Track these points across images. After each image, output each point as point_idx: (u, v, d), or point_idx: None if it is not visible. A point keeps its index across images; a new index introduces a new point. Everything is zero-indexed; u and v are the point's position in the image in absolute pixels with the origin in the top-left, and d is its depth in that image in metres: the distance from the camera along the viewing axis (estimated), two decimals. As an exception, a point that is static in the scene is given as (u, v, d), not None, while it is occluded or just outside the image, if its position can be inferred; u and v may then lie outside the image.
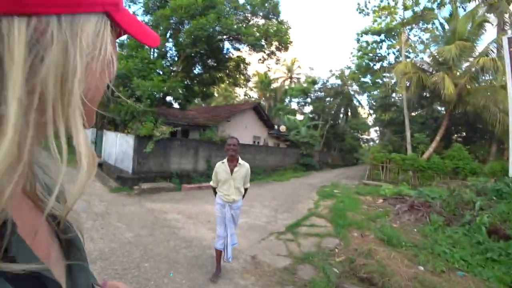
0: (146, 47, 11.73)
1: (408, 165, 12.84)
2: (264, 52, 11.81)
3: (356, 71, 21.27)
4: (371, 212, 7.31)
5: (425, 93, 14.41)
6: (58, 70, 0.26)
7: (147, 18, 11.55)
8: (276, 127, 22.26)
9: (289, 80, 32.44)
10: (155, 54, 11.63)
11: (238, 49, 12.09)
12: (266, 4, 11.08)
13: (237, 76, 13.63)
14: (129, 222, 4.90)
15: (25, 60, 0.24)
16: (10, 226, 0.27)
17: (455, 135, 18.64)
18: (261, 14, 11.49)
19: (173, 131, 12.03)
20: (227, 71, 13.22)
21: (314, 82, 25.42)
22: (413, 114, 17.49)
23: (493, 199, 6.74)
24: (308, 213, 6.75)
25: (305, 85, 26.27)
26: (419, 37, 17.50)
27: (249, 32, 10.23)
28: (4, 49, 0.23)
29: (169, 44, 11.75)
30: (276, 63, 13.07)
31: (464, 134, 18.47)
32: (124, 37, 12.64)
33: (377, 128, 29.46)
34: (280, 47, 11.63)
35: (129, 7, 11.47)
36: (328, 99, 25.24)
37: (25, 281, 0.28)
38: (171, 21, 10.08)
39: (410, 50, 17.48)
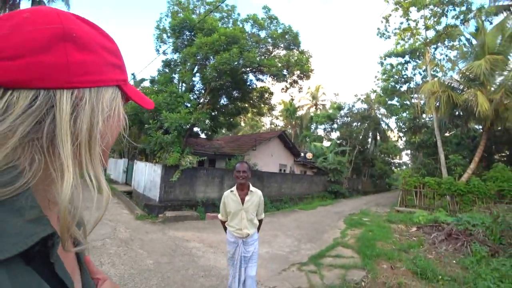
0: (175, 81, 12.74)
1: (445, 189, 11.87)
2: (286, 82, 12.14)
3: (382, 94, 20.85)
4: (403, 242, 6.78)
5: (457, 112, 13.64)
6: (88, 123, 0.39)
7: (176, 56, 12.57)
8: (302, 154, 22.08)
9: (314, 107, 32.60)
10: (183, 88, 12.46)
11: (261, 80, 12.55)
12: (286, 36, 11.60)
13: (261, 106, 14.02)
14: (150, 249, 5.02)
15: (70, 118, 0.37)
16: (56, 238, 0.37)
17: (497, 155, 17.09)
18: (282, 45, 11.99)
19: (200, 161, 12.43)
20: (251, 101, 13.67)
21: (339, 107, 25.27)
22: (446, 134, 16.44)
23: (547, 225, 5.99)
24: (334, 243, 6.42)
25: (330, 111, 26.17)
26: (446, 55, 17.02)
27: (271, 63, 10.66)
28: (57, 111, 0.36)
29: (196, 78, 12.57)
30: (299, 92, 13.29)
31: (508, 152, 16.89)
32: (155, 74, 13.77)
33: (408, 151, 28.00)
34: (302, 75, 11.90)
35: (160, 46, 12.61)
36: (355, 124, 24.77)
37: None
38: (198, 57, 10.86)
39: (438, 69, 16.89)
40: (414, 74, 19.23)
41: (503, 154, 17.29)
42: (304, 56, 11.74)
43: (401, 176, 13.77)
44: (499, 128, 13.72)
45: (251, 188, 2.98)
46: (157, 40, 12.52)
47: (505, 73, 12.19)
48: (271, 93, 13.51)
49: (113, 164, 18.71)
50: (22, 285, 0.32)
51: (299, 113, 32.07)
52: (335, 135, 27.39)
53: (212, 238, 6.33)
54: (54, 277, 0.37)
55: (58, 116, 0.36)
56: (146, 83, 14.95)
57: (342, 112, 25.07)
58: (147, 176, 11.32)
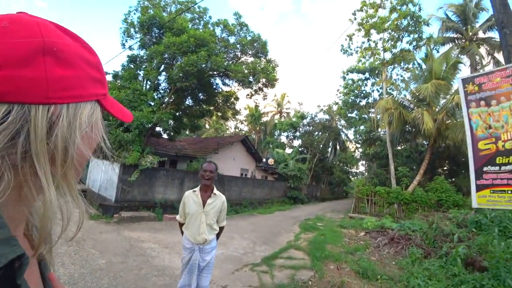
0: (140, 78, 12.32)
1: (393, 198, 13.03)
2: (252, 88, 12.44)
3: (343, 107, 22.24)
4: (351, 246, 7.32)
5: (407, 128, 15.12)
6: (64, 140, 0.38)
7: (142, 52, 12.21)
8: (264, 160, 22.55)
9: (279, 114, 33.57)
10: (148, 86, 12.12)
11: (227, 85, 12.72)
12: (255, 44, 11.95)
13: (226, 110, 14.15)
14: (103, 249, 4.85)
15: (46, 134, 0.36)
16: (25, 259, 0.35)
17: (439, 169, 19.16)
18: (250, 52, 12.31)
19: (161, 161, 12.05)
20: (216, 104, 13.74)
21: (302, 116, 26.35)
22: (398, 148, 18.08)
23: (473, 231, 6.83)
24: (287, 245, 6.74)
25: (294, 119, 27.16)
26: (401, 76, 18.79)
27: (237, 69, 10.89)
28: (31, 127, 0.35)
29: (162, 77, 12.31)
30: (264, 99, 13.71)
31: (448, 167, 19.02)
32: (118, 69, 13.19)
33: (364, 162, 30.09)
34: (267, 83, 12.30)
35: (126, 41, 12.16)
36: (316, 133, 26.01)
37: None
38: (165, 56, 10.69)
39: (393, 87, 18.57)
40: (373, 90, 20.92)
41: (445, 168, 19.44)
42: (271, 65, 12.18)
43: (355, 185, 14.79)
44: (442, 144, 15.39)
45: (215, 191, 2.77)
46: (124, 34, 12.05)
47: (448, 96, 13.85)
48: (237, 98, 13.72)
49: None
50: None
51: (264, 119, 32.76)
52: (297, 142, 28.45)
53: (168, 239, 6.27)
54: None
55: (32, 133, 0.35)
56: (109, 77, 14.23)
57: (305, 121, 26.17)
58: (104, 175, 10.79)
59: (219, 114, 14.84)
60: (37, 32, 0.37)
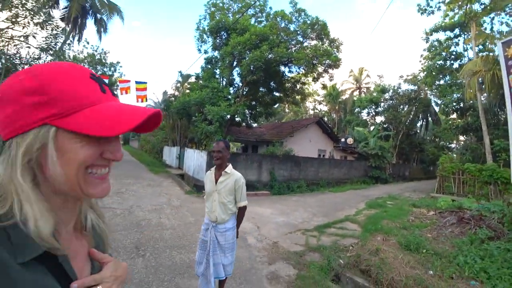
0: (217, 76, 14.35)
1: (486, 177, 11.44)
2: (316, 72, 12.82)
3: (429, 75, 19.35)
4: (413, 223, 7.36)
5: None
6: (8, 168, 0.47)
7: (216, 53, 14.13)
8: (343, 140, 22.27)
9: (358, 90, 31.73)
10: (224, 83, 14.05)
11: (292, 72, 13.47)
12: (315, 27, 12.21)
13: (295, 95, 14.93)
14: (193, 212, 6.83)
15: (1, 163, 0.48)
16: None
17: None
18: (312, 36, 12.64)
19: (244, 147, 13.83)
20: (286, 91, 14.67)
21: (383, 90, 24.28)
22: (496, 118, 15.01)
23: None
24: (343, 218, 7.38)
25: (374, 94, 25.39)
26: (507, 23, 14.95)
27: (299, 56, 11.51)
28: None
29: (235, 73, 14.05)
30: (330, 80, 13.85)
31: None
32: (198, 71, 15.63)
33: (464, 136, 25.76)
34: (332, 64, 12.47)
35: (201, 46, 14.33)
36: (401, 107, 23.71)
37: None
38: (235, 54, 12.22)
39: (491, 43, 15.06)
40: (466, 49, 17.44)
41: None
42: (335, 45, 12.24)
43: (439, 162, 13.34)
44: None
45: (228, 169, 2.80)
46: (198, 41, 14.23)
47: None
48: (304, 83, 14.29)
49: (168, 152, 21.42)
50: (37, 278, 0.46)
51: (343, 97, 31.60)
52: (380, 119, 26.52)
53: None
54: (63, 272, 0.51)
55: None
56: (193, 79, 16.87)
57: (386, 95, 24.12)
58: (195, 161, 13.24)
59: (289, 100, 15.71)
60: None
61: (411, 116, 24.38)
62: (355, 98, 29.07)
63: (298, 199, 10.63)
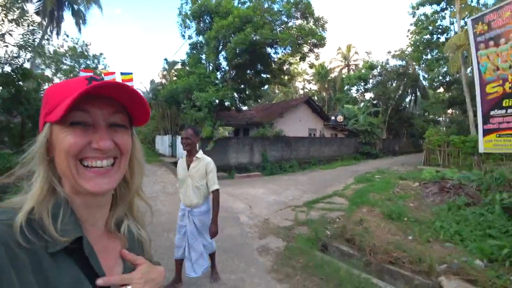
0: (203, 62, 14.19)
1: (469, 148, 11.88)
2: (301, 52, 12.79)
3: (415, 49, 19.42)
4: (398, 194, 7.73)
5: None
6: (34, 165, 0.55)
7: (201, 38, 13.91)
8: (333, 118, 22.52)
9: (346, 68, 31.69)
10: (211, 68, 13.93)
11: (278, 53, 13.40)
12: (299, 6, 12.06)
13: (282, 76, 14.92)
14: (187, 199, 7.08)
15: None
16: (84, 239, 0.54)
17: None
18: (296, 15, 12.50)
19: (236, 130, 13.77)
20: (272, 73, 14.64)
21: (371, 67, 24.31)
22: None
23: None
24: (332, 194, 7.71)
25: (363, 71, 25.45)
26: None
27: (284, 37, 11.45)
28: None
29: (221, 57, 13.89)
30: (316, 59, 13.85)
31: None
32: (184, 57, 15.41)
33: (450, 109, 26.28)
34: (317, 43, 12.45)
35: (184, 32, 14.07)
36: (389, 82, 23.91)
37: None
38: (219, 38, 12.06)
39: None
40: (452, 23, 17.46)
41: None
42: (320, 23, 12.18)
43: (426, 135, 13.71)
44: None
45: (198, 155, 2.88)
46: (181, 26, 13.94)
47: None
48: (291, 64, 14.27)
49: (160, 140, 21.41)
50: (64, 269, 0.49)
51: (332, 75, 31.56)
52: (369, 95, 26.74)
53: (234, 191, 8.13)
54: (90, 267, 0.53)
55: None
56: (179, 66, 16.63)
57: (375, 71, 24.24)
58: None
59: (276, 81, 15.71)
60: None
61: (400, 92, 24.66)
62: (344, 76, 29.10)
63: (289, 178, 10.97)
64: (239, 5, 12.82)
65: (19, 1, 8.88)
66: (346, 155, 19.06)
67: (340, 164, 15.25)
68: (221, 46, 13.05)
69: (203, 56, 14.07)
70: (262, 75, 14.76)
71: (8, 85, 8.28)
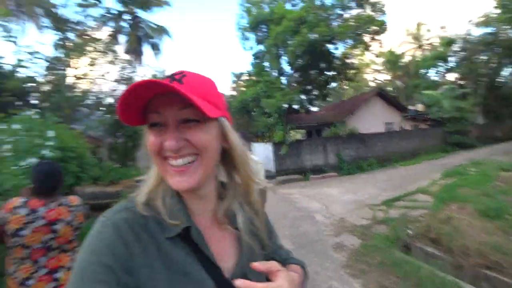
0: (267, 69, 14.84)
1: None
2: (363, 42, 12.25)
3: (505, 11, 15.72)
4: (498, 189, 6.75)
5: None
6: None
7: (261, 47, 14.64)
8: (412, 107, 20.44)
9: (419, 49, 28.12)
10: (275, 74, 14.49)
11: (337, 48, 13.11)
12: (353, -4, 11.65)
13: (346, 71, 14.47)
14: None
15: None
16: (193, 228, 0.57)
17: None
18: (351, 5, 12.05)
19: (308, 132, 13.79)
20: (337, 69, 14.33)
21: (450, 42, 20.97)
22: None
23: None
24: (414, 190, 7.17)
25: (440, 49, 22.26)
26: None
27: (342, 30, 11.18)
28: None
29: (283, 62, 14.34)
30: (380, 47, 13.01)
31: None
32: (249, 68, 16.42)
33: None
34: (378, 30, 11.77)
35: (245, 43, 15.11)
36: (477, 57, 20.29)
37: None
38: (278, 44, 12.48)
39: None
40: None
41: None
42: (377, 7, 11.55)
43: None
44: None
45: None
46: (242, 39, 14.95)
47: None
48: (354, 57, 13.78)
49: (238, 148, 22.70)
50: (179, 253, 0.54)
51: (404, 60, 28.51)
52: (453, 76, 23.18)
53: (309, 192, 8.45)
54: (201, 251, 0.56)
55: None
56: (245, 77, 17.73)
57: (455, 47, 20.90)
58: (262, 153, 13.55)
59: (341, 77, 15.27)
60: None
61: (493, 65, 20.73)
62: (418, 59, 25.97)
63: (366, 176, 10.64)
64: (292, 8, 13.03)
65: (111, 45, 11.00)
66: (432, 147, 16.94)
67: (424, 159, 13.86)
68: (281, 52, 13.47)
69: (267, 64, 14.73)
70: (326, 73, 14.60)
71: (111, 113, 10.12)
